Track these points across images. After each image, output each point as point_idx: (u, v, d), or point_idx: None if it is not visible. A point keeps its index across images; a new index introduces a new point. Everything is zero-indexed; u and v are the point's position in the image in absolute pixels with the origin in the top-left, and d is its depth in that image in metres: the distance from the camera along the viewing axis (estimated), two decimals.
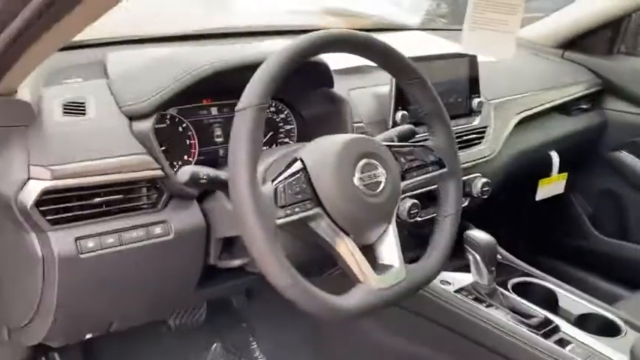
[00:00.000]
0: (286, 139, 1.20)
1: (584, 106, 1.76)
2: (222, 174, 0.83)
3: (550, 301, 1.20)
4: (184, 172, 0.79)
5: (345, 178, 0.81)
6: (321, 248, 0.85)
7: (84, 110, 0.91)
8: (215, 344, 1.59)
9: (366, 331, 1.33)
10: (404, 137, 1.02)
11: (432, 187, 1.21)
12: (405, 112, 1.17)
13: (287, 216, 0.76)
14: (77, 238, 0.82)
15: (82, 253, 0.82)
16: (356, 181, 0.82)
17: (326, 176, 0.80)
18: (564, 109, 1.70)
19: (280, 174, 0.80)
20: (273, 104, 1.18)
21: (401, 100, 1.19)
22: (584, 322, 1.14)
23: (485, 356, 1.10)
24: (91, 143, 0.86)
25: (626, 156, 1.80)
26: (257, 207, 0.72)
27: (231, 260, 0.98)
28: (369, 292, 0.81)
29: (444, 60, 1.30)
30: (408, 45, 1.29)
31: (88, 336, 1.06)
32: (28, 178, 0.80)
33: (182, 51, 1.02)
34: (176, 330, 1.50)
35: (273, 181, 0.78)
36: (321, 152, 0.83)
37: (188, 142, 1.06)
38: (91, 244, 0.83)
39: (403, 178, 0.91)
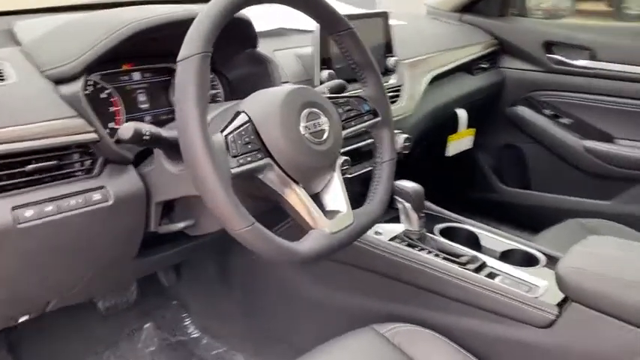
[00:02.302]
0: (212, 103, 1.18)
1: (483, 66, 1.88)
2: (163, 131, 0.82)
3: (473, 242, 1.29)
4: (127, 129, 0.76)
5: (292, 127, 0.82)
6: (269, 204, 0.86)
7: (2, 77, 0.85)
8: (147, 324, 1.55)
9: (303, 291, 1.36)
10: (335, 91, 1.04)
11: (361, 143, 1.26)
12: (331, 70, 1.20)
13: (240, 165, 0.77)
14: (14, 208, 0.77)
15: (19, 223, 0.77)
16: (302, 129, 0.83)
17: (273, 126, 0.81)
18: (467, 68, 1.81)
19: (227, 126, 0.79)
20: None
21: (326, 59, 1.21)
22: (506, 257, 1.23)
23: (422, 296, 1.16)
24: (16, 109, 0.81)
25: (523, 110, 1.95)
26: (211, 155, 0.72)
27: (173, 224, 0.97)
28: (323, 237, 0.83)
29: (357, 20, 1.33)
30: None
31: (23, 318, 1.01)
32: None
33: (102, 13, 0.97)
34: (106, 312, 1.45)
35: (222, 132, 0.78)
36: (264, 104, 0.83)
37: (112, 109, 1.02)
38: (28, 213, 0.78)
39: (343, 128, 0.94)
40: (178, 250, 1.09)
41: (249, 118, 0.81)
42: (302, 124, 0.83)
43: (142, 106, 1.08)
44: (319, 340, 1.06)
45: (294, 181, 0.83)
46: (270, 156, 0.81)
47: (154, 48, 0.99)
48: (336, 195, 0.90)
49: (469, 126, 1.77)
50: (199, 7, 0.86)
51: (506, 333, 1.07)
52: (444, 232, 1.31)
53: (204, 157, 0.71)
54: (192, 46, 0.74)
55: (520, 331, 1.05)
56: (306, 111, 0.84)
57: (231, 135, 0.78)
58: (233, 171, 0.75)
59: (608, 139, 1.85)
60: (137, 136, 0.77)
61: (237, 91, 1.17)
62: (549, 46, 1.87)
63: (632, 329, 0.92)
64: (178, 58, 0.74)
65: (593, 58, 1.81)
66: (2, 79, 0.85)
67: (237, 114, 0.82)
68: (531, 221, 1.87)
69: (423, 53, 1.57)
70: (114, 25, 0.88)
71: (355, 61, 0.97)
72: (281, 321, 1.43)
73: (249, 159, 0.78)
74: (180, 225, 0.95)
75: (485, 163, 2.06)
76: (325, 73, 1.20)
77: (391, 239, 1.24)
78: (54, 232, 0.82)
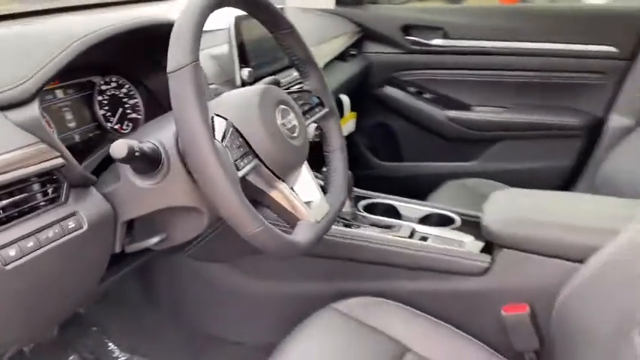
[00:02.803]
0: (134, 114, 1.15)
1: (353, 52, 2.01)
2: (144, 145, 0.80)
3: (394, 213, 1.41)
4: (120, 147, 0.74)
5: (272, 125, 0.85)
6: None
7: None
8: (71, 357, 1.44)
9: (248, 289, 1.37)
10: None
11: None
12: (250, 69, 1.22)
13: (240, 169, 0.78)
14: None
15: (6, 265, 0.71)
16: (280, 127, 0.86)
17: (256, 127, 0.83)
18: (341, 57, 1.93)
19: (213, 132, 0.80)
20: (115, 79, 1.11)
21: (242, 57, 1.23)
22: (425, 221, 1.37)
23: (368, 269, 1.24)
24: None
25: (389, 90, 2.14)
26: (221, 162, 0.73)
27: (143, 242, 0.93)
28: (312, 226, 0.88)
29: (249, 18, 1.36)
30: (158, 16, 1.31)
31: None
32: None
33: (38, 28, 0.90)
34: (31, 354, 1.33)
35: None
36: (240, 106, 0.85)
37: None
38: (12, 252, 0.72)
39: None
40: (132, 268, 1.05)
41: (230, 122, 0.82)
42: (279, 121, 0.86)
43: (70, 124, 1.02)
44: (277, 333, 1.10)
45: (279, 178, 0.86)
46: (257, 156, 0.83)
47: (75, 62, 0.94)
48: (307, 186, 0.95)
49: (351, 110, 1.89)
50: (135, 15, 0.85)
51: (449, 286, 1.20)
52: (367, 208, 1.41)
53: (216, 165, 0.72)
54: (181, 56, 0.74)
55: (461, 282, 1.19)
56: (279, 108, 0.88)
57: (225, 141, 0.79)
58: (239, 174, 0.77)
59: (465, 107, 2.10)
60: (130, 154, 0.75)
61: (161, 98, 1.15)
62: (406, 29, 2.07)
63: (557, 262, 1.09)
64: (169, 70, 0.74)
65: (445, 37, 2.05)
66: None
67: (212, 119, 0.83)
68: (411, 189, 2.06)
69: (310, 45, 1.64)
70: (66, 39, 0.83)
71: (298, 57, 1.02)
72: (226, 324, 1.43)
73: (245, 161, 0.80)
74: (154, 240, 0.92)
75: (362, 143, 2.22)
76: (245, 71, 1.22)
77: None
78: (37, 268, 0.76)
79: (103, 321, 1.54)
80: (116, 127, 1.10)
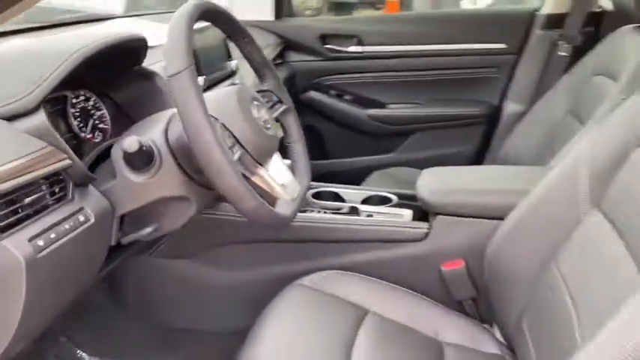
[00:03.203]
0: (102, 125, 1.24)
1: (278, 62, 2.18)
2: (143, 140, 0.92)
3: (338, 198, 1.58)
4: (132, 142, 0.86)
5: (252, 119, 0.99)
6: None
7: None
8: None
9: (216, 279, 1.48)
10: None
11: None
12: (204, 77, 1.35)
13: (234, 154, 0.92)
14: (30, 238, 0.79)
15: (38, 253, 0.80)
16: (257, 120, 1.01)
17: (240, 120, 0.97)
18: None
19: None
20: (82, 93, 1.20)
21: (196, 67, 1.36)
22: (366, 202, 1.55)
23: (326, 247, 1.40)
24: None
25: (313, 95, 2.33)
26: (225, 152, 0.86)
27: (137, 233, 1.03)
28: (290, 203, 1.03)
29: (202, 32, 1.50)
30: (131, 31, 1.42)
31: None
32: None
33: (32, 44, 0.98)
34: None
35: None
36: (222, 104, 0.99)
37: None
38: (41, 242, 0.81)
39: None
40: (121, 259, 1.14)
41: (215, 118, 0.96)
42: (255, 116, 1.01)
43: None
44: (248, 316, 1.21)
45: (259, 164, 1.01)
46: (242, 146, 0.97)
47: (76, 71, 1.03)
48: (279, 170, 1.09)
49: None
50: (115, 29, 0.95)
51: (395, 253, 1.38)
52: (314, 196, 1.58)
53: (220, 154, 0.85)
54: (179, 61, 0.86)
55: (405, 248, 1.38)
56: (254, 104, 1.02)
57: (218, 132, 0.92)
58: (234, 158, 0.91)
59: (382, 105, 2.34)
60: (140, 149, 0.86)
61: (129, 109, 1.24)
62: (324, 38, 2.27)
63: (483, 221, 1.30)
64: (171, 73, 0.86)
65: (360, 43, 2.27)
66: None
67: None
68: (340, 183, 2.25)
69: (241, 58, 1.78)
70: (62, 52, 0.92)
71: (257, 61, 1.18)
72: (197, 316, 1.52)
73: (235, 149, 0.94)
74: (147, 230, 1.03)
75: None
76: (201, 79, 1.35)
77: None
78: (60, 257, 0.85)
79: (71, 330, 1.58)
80: (89, 136, 1.19)
